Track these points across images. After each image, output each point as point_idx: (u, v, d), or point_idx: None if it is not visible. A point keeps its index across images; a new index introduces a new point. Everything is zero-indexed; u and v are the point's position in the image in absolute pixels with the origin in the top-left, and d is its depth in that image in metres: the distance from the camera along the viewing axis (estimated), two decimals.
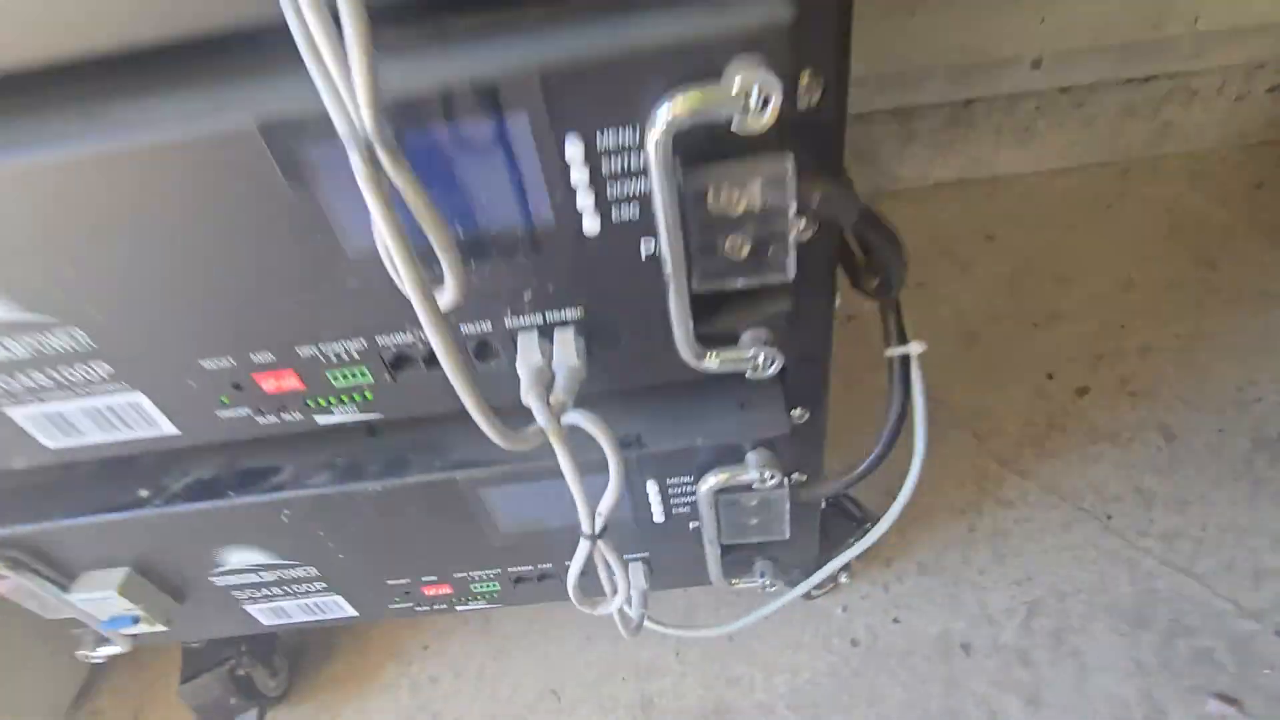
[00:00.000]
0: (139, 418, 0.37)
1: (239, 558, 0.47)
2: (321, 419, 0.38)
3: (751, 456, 0.41)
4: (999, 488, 0.71)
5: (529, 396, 0.30)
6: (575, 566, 0.41)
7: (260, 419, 0.37)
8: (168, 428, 0.38)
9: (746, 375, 0.35)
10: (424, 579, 0.51)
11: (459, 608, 0.54)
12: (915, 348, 0.37)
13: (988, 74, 1.01)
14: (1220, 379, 0.77)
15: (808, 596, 0.63)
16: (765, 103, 0.24)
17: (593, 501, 0.37)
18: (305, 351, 0.34)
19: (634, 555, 0.49)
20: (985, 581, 0.65)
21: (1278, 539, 0.63)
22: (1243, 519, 0.65)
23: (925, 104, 1.04)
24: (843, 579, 0.63)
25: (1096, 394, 0.78)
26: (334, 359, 0.34)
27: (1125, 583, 0.62)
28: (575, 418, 0.33)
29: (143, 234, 0.29)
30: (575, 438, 0.34)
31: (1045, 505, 0.69)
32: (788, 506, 0.44)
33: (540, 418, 0.30)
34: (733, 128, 0.24)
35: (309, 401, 0.37)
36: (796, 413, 0.42)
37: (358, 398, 0.37)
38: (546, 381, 0.31)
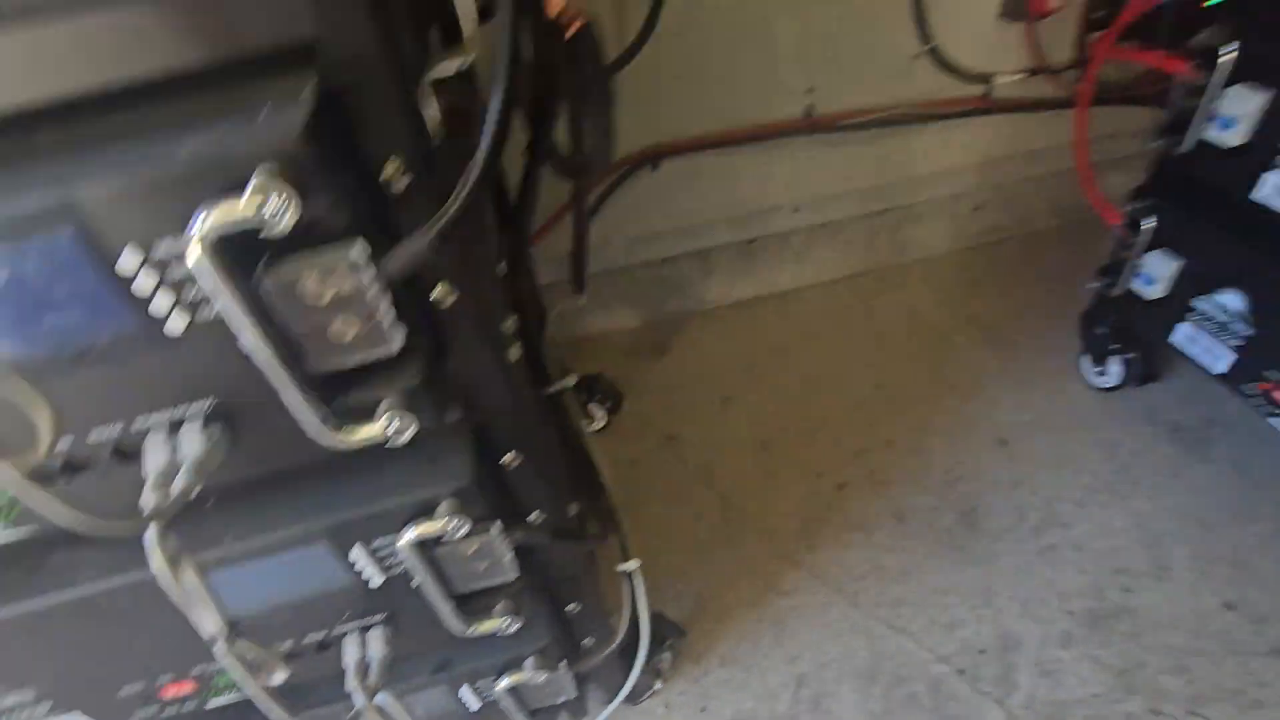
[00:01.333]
0: None
1: None
2: None
3: (441, 507, 0.42)
4: (779, 580, 0.92)
5: (149, 494, 0.32)
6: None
7: None
8: None
9: (386, 445, 0.36)
10: (159, 681, 0.48)
11: (210, 704, 0.51)
12: (632, 564, 0.56)
13: (762, 218, 1.26)
14: (938, 464, 1.02)
15: (634, 702, 0.80)
16: (286, 210, 0.26)
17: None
18: None
19: (372, 621, 0.49)
20: (768, 663, 0.85)
21: (966, 595, 0.87)
22: (944, 581, 0.89)
23: (718, 245, 1.27)
24: (658, 685, 0.81)
25: (852, 488, 1.01)
26: None
27: (864, 648, 0.84)
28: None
29: None
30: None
31: (812, 591, 0.90)
32: (507, 551, 0.45)
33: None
34: (262, 234, 0.27)
35: None
36: (509, 457, 0.46)
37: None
38: (171, 476, 0.33)
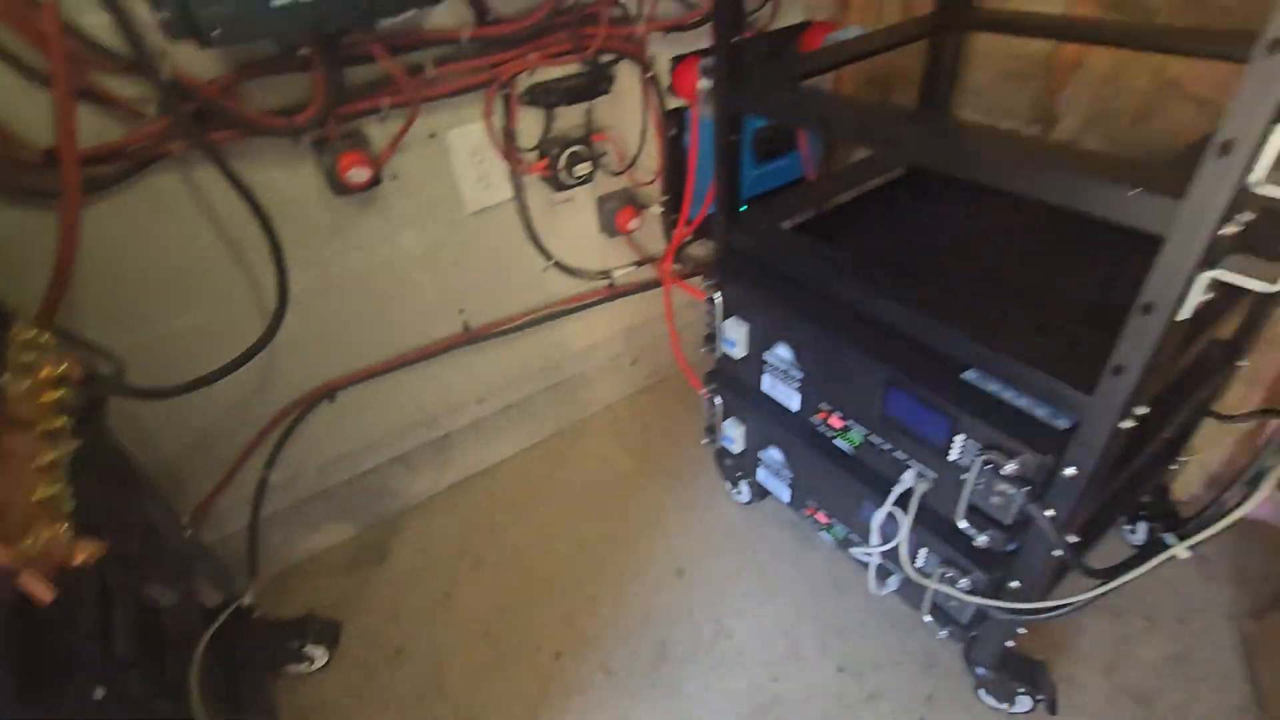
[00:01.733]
0: None
1: None
2: None
3: None
4: None
5: None
6: None
7: None
8: None
9: None
10: None
11: None
12: None
13: (451, 415, 1.38)
14: (634, 608, 1.20)
15: None
16: None
17: None
18: None
19: None
20: None
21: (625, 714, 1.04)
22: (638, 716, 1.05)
23: (415, 446, 1.36)
24: None
25: (567, 655, 1.14)
26: None
27: None
28: None
29: None
30: None
31: None
32: None
33: None
34: None
35: None
36: None
37: None
38: None
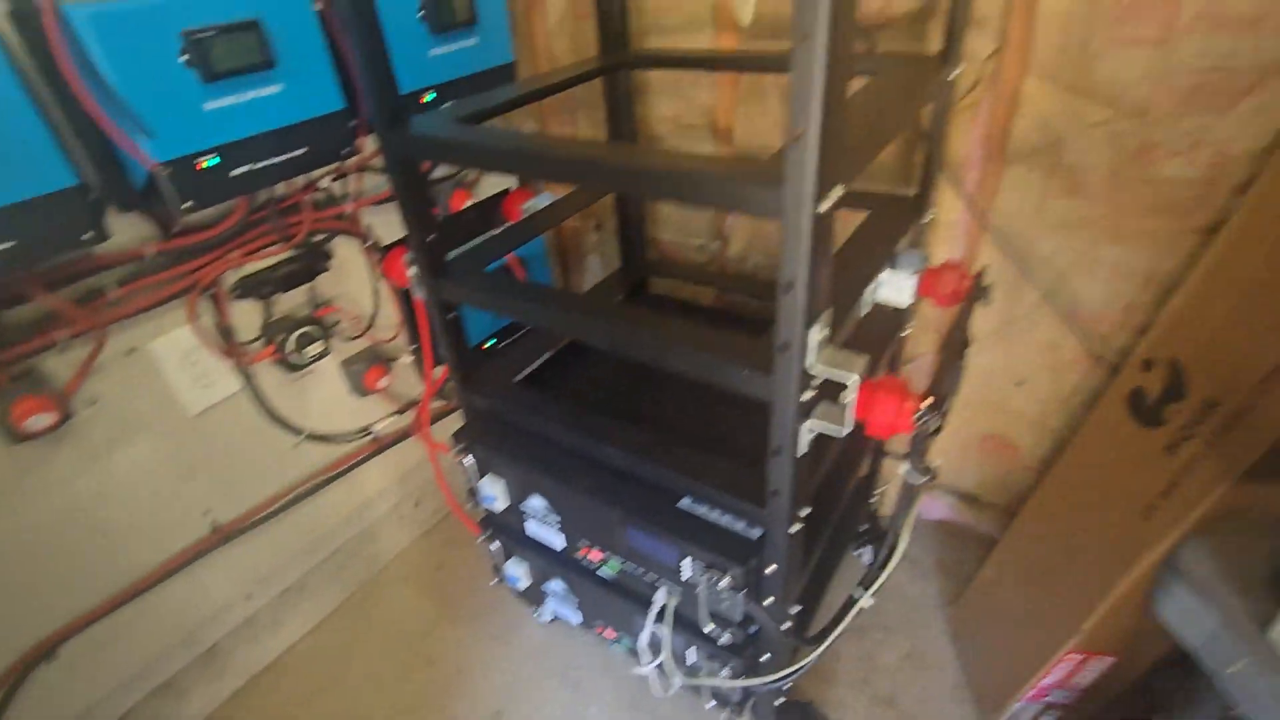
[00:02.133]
0: None
1: None
2: None
3: None
4: None
5: None
6: None
7: None
8: None
9: None
10: None
11: None
12: None
13: (215, 623, 1.26)
14: None
15: None
16: None
17: None
18: None
19: None
20: None
21: None
22: None
23: (180, 668, 1.22)
24: None
25: None
26: None
27: None
28: None
29: None
30: None
31: None
32: None
33: None
34: None
35: None
36: None
37: None
38: None
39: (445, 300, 0.95)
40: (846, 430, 0.69)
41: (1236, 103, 0.82)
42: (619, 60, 1.15)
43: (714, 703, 1.05)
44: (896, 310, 0.98)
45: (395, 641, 1.39)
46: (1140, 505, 0.88)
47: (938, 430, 0.64)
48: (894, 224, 0.96)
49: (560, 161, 0.71)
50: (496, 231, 1.08)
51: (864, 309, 0.84)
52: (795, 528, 0.80)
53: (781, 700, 1.05)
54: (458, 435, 1.04)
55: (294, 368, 1.17)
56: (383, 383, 1.32)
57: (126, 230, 0.95)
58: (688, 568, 0.86)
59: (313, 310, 1.21)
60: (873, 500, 1.35)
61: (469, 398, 1.06)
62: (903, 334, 1.08)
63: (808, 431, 0.71)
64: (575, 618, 1.16)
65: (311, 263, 1.17)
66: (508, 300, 0.87)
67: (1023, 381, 1.19)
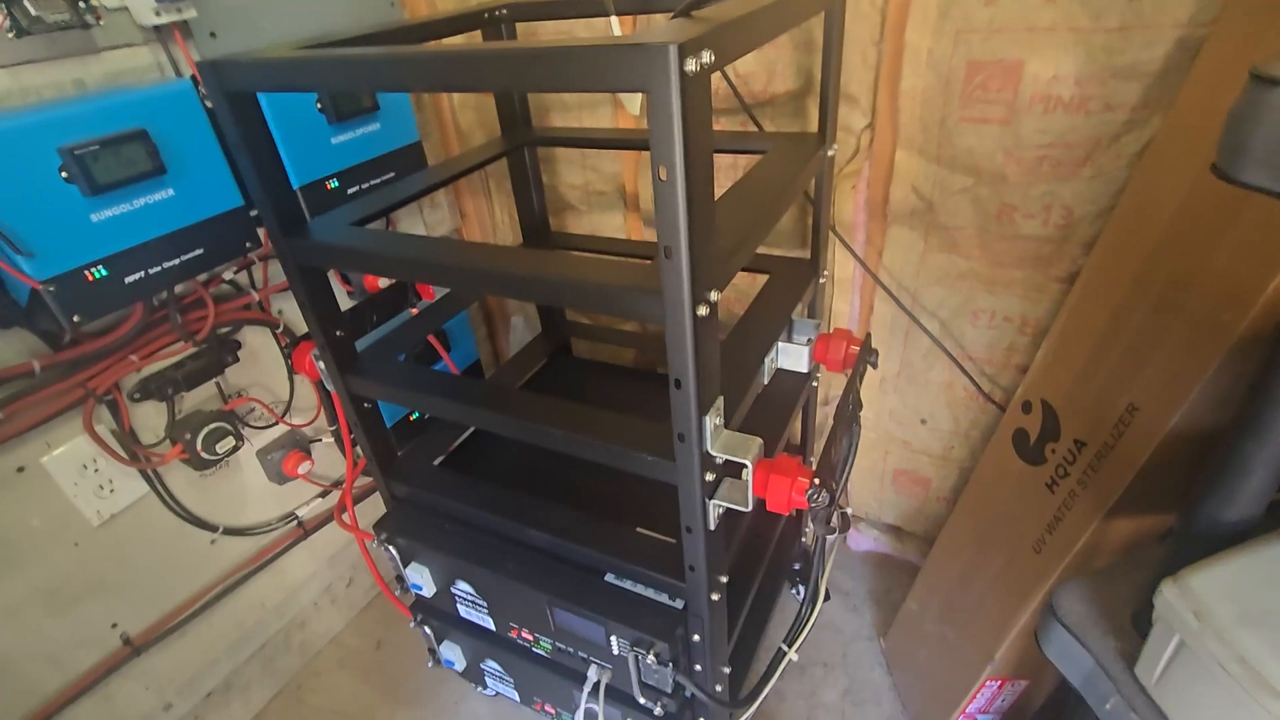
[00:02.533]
0: None
1: None
2: None
3: None
4: None
5: None
6: None
7: None
8: None
9: None
10: None
11: None
12: None
13: None
14: None
15: None
16: None
17: None
18: None
19: None
20: None
21: None
22: None
23: None
24: None
25: None
26: None
27: None
28: None
29: None
30: None
31: None
32: None
33: None
34: None
35: None
36: None
37: None
38: None
39: (356, 395, 0.94)
40: (749, 508, 0.72)
41: (1076, 171, 0.91)
42: (520, 140, 1.18)
43: None
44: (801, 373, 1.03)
45: None
46: (1031, 539, 0.94)
47: (831, 502, 0.69)
48: (794, 285, 1.02)
49: (453, 270, 0.72)
50: (412, 313, 1.08)
51: (766, 376, 0.89)
52: (716, 596, 0.83)
53: None
54: (378, 525, 1.03)
55: (204, 464, 1.13)
56: (303, 468, 1.29)
57: (10, 345, 0.92)
58: (615, 645, 0.87)
59: (223, 403, 1.18)
60: (804, 538, 1.39)
61: (389, 486, 1.05)
62: (807, 395, 1.13)
63: (715, 508, 0.74)
64: (514, 695, 1.15)
65: (218, 357, 1.14)
66: (416, 396, 0.87)
67: (926, 419, 1.26)
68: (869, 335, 0.86)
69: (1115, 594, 0.69)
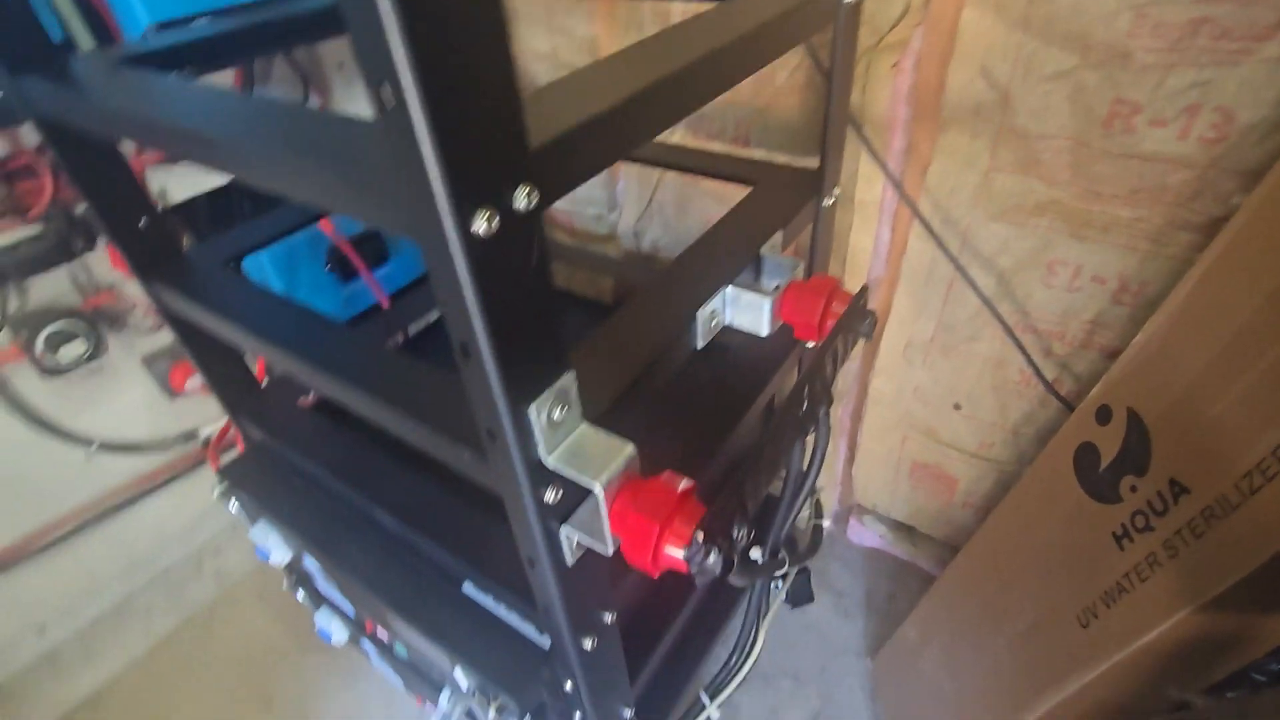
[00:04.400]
0: None
1: None
2: None
3: None
4: None
5: None
6: None
7: None
8: None
9: None
10: None
11: None
12: None
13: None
14: None
15: None
16: None
17: None
18: None
19: None
20: None
21: None
22: None
23: None
24: None
25: None
26: None
27: None
28: None
29: None
30: None
31: None
32: None
33: None
34: None
35: None
36: None
37: None
38: None
39: (170, 311, 0.71)
40: (610, 551, 0.46)
41: (1250, 52, 0.55)
42: None
43: None
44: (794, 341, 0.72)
45: (236, 673, 1.21)
46: (1077, 606, 0.65)
47: (735, 566, 0.42)
48: (783, 205, 0.71)
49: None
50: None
51: (701, 339, 0.60)
52: (590, 643, 0.58)
53: None
54: (222, 472, 0.81)
55: (53, 372, 0.94)
56: (194, 382, 1.10)
57: None
58: (462, 680, 0.65)
59: (82, 300, 0.98)
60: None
61: (243, 425, 0.83)
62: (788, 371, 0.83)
63: (569, 539, 0.48)
64: (398, 682, 0.96)
65: (66, 240, 0.92)
66: (221, 322, 0.63)
67: (961, 404, 0.95)
68: (864, 290, 0.56)
69: None
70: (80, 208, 0.94)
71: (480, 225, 0.31)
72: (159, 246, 0.68)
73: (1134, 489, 0.61)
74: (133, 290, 1.02)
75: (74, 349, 0.94)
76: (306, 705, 1.16)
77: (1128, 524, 0.61)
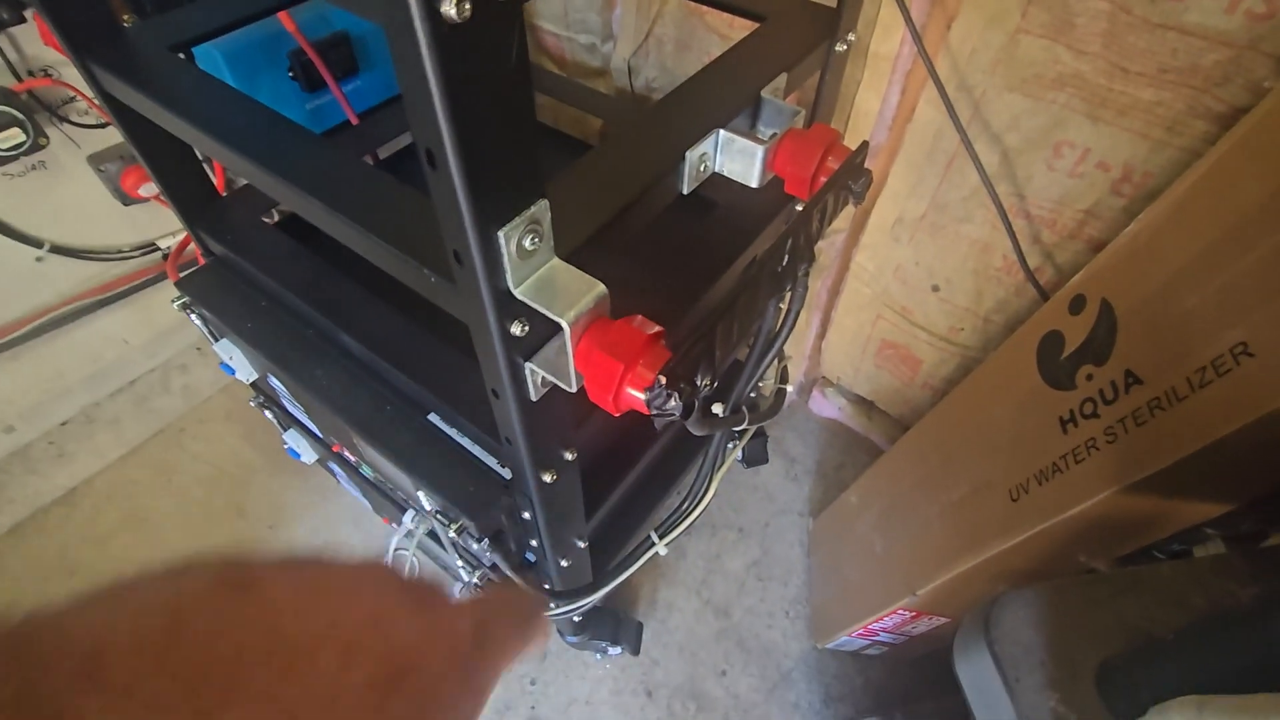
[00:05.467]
0: None
1: None
2: None
3: None
4: None
5: None
6: None
7: None
8: None
9: None
10: None
11: None
12: None
13: None
14: None
15: None
16: None
17: None
18: None
19: None
20: None
21: None
22: None
23: None
24: None
25: None
26: None
27: None
28: None
29: None
30: None
31: None
32: None
33: None
34: None
35: None
36: None
37: None
38: None
39: (111, 96, 0.64)
40: (574, 388, 0.46)
41: None
42: None
43: None
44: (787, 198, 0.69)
45: (207, 484, 1.25)
46: (1011, 481, 0.69)
47: (694, 411, 0.42)
48: (791, 45, 0.65)
49: None
50: None
51: (687, 183, 0.57)
52: (550, 477, 0.60)
53: (580, 617, 0.94)
54: (180, 284, 0.79)
55: None
56: (145, 189, 1.03)
57: None
58: (425, 501, 0.67)
59: (15, 82, 0.89)
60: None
61: (201, 238, 0.79)
62: (780, 227, 0.80)
63: (533, 374, 0.48)
64: (366, 502, 1.00)
65: None
66: (167, 114, 0.57)
67: (940, 285, 0.95)
68: (863, 146, 0.52)
69: (1087, 622, 0.44)
70: None
71: (449, 7, 0.27)
72: (94, 19, 0.61)
73: (1090, 378, 0.62)
74: (73, 76, 0.93)
75: (11, 137, 0.87)
76: (277, 517, 1.22)
77: (1076, 410, 0.63)
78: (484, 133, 0.32)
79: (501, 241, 0.38)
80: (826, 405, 1.29)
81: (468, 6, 0.28)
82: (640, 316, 0.44)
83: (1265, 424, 0.46)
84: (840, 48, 0.69)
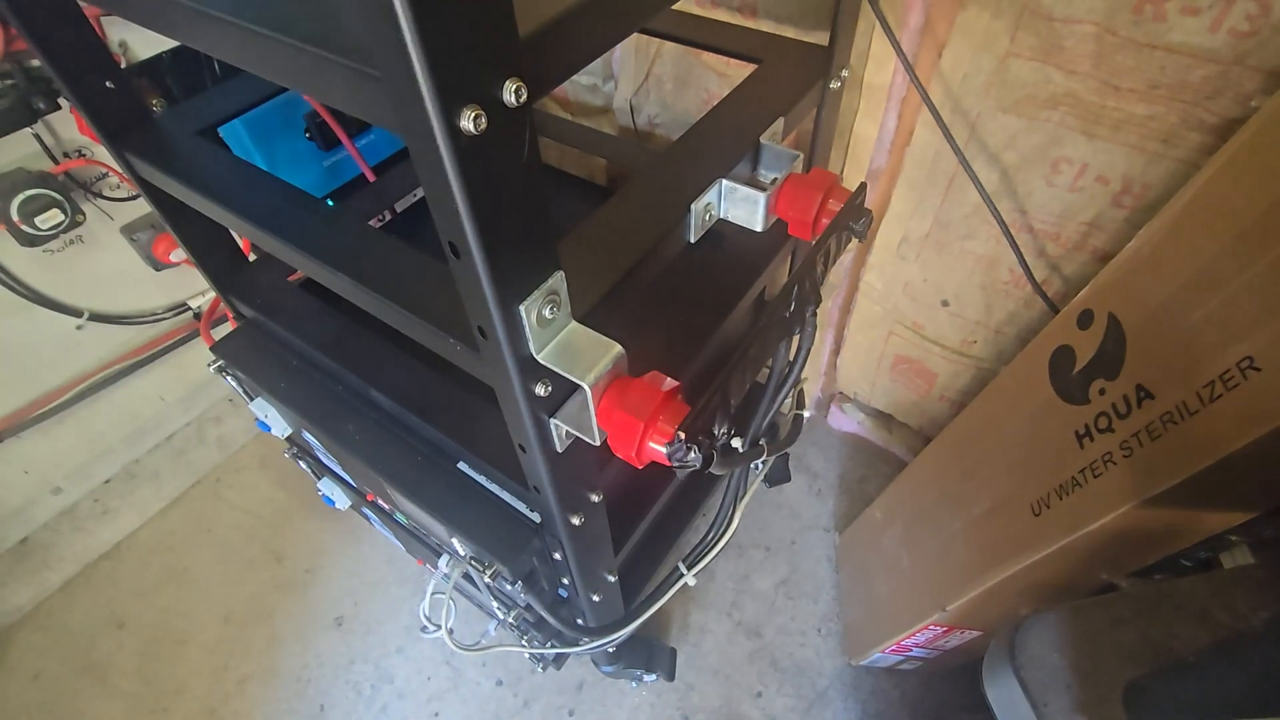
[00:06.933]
0: None
1: None
2: None
3: None
4: None
5: None
6: None
7: None
8: None
9: None
10: None
11: None
12: None
13: (18, 517, 1.14)
14: (290, 673, 1.12)
15: None
16: None
17: None
18: None
19: None
20: None
21: None
22: None
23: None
24: None
25: None
26: None
27: None
28: None
29: None
30: None
31: None
32: None
33: None
34: None
35: None
36: None
37: None
38: None
39: (146, 183, 0.68)
40: (598, 441, 0.48)
41: None
42: None
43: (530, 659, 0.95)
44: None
45: (245, 532, 1.29)
46: (1032, 496, 0.70)
47: (712, 461, 0.44)
48: (790, 85, 0.67)
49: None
50: None
51: (694, 233, 0.59)
52: (578, 520, 0.62)
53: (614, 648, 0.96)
54: (216, 348, 0.82)
55: (31, 241, 0.92)
56: (176, 254, 1.08)
57: None
58: (460, 547, 0.70)
59: (52, 165, 0.94)
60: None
61: (231, 302, 0.83)
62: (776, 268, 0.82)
63: (558, 429, 0.50)
64: (398, 545, 1.03)
65: (25, 99, 0.87)
66: (190, 192, 0.61)
67: (949, 301, 0.96)
68: (862, 186, 0.54)
69: (1111, 643, 0.45)
70: (35, 62, 0.87)
71: (470, 121, 0.30)
72: (126, 109, 0.65)
73: (1102, 392, 0.63)
74: (104, 154, 0.98)
75: (51, 217, 0.92)
76: (314, 560, 1.25)
77: (1091, 424, 0.64)
78: (503, 225, 0.35)
79: (522, 315, 0.40)
80: (846, 420, 1.30)
81: (484, 121, 0.30)
82: (656, 372, 0.46)
83: (1277, 437, 0.47)
84: (834, 84, 0.71)
